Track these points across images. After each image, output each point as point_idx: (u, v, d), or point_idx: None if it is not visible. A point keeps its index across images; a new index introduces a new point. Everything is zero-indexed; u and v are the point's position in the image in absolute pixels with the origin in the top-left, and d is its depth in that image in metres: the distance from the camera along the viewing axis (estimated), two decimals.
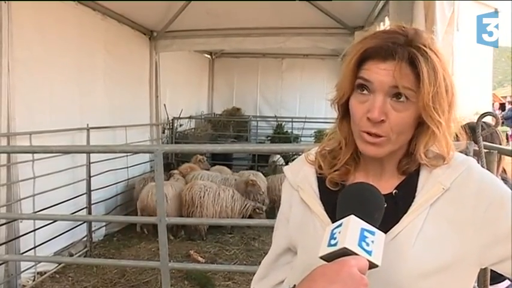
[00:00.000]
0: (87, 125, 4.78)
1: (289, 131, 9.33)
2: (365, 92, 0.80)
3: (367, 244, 0.68)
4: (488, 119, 1.69)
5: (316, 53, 9.30)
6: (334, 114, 0.90)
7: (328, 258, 0.69)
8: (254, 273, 1.01)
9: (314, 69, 9.86)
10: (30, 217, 3.95)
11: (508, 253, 0.75)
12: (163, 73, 7.02)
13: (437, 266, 0.77)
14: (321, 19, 5.95)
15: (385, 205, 0.76)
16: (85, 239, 4.80)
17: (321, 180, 0.90)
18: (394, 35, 0.79)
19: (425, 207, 0.79)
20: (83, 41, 4.93)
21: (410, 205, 0.81)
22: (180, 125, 8.12)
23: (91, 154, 4.66)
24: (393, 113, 0.78)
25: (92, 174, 4.77)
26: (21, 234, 3.82)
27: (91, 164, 4.73)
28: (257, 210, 5.28)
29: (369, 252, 0.68)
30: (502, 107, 18.78)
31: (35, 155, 3.87)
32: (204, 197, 5.14)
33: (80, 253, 4.69)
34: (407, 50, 0.77)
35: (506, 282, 1.77)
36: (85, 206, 4.77)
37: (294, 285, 0.76)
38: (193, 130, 8.65)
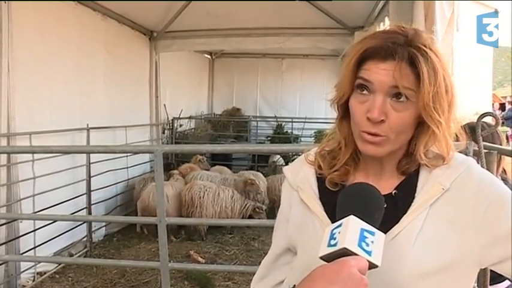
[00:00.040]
0: (87, 125, 4.77)
1: (289, 131, 9.32)
2: (365, 92, 0.80)
3: (367, 244, 0.68)
4: (488, 119, 1.68)
5: (316, 53, 9.28)
6: (334, 114, 0.90)
7: (328, 258, 0.69)
8: (254, 274, 1.01)
9: (314, 70, 9.85)
10: (30, 217, 3.95)
11: (508, 253, 0.75)
12: (163, 73, 7.01)
13: (437, 266, 0.77)
14: (321, 19, 5.95)
15: (385, 205, 0.75)
16: (85, 239, 4.80)
17: (320, 180, 0.90)
18: (394, 35, 0.79)
19: (425, 207, 0.79)
20: (83, 41, 4.93)
21: (410, 205, 0.81)
22: (180, 125, 8.12)
23: (91, 154, 4.67)
24: (393, 113, 0.78)
25: (92, 175, 4.77)
26: (21, 234, 3.82)
27: (91, 164, 4.74)
28: (257, 209, 5.26)
29: (369, 253, 0.68)
30: (502, 107, 18.80)
31: (35, 155, 3.87)
32: (203, 197, 5.14)
33: (80, 253, 4.69)
34: (407, 50, 0.77)
35: (506, 283, 1.76)
36: (85, 206, 4.77)
37: (294, 285, 0.76)
38: (193, 130, 8.64)
